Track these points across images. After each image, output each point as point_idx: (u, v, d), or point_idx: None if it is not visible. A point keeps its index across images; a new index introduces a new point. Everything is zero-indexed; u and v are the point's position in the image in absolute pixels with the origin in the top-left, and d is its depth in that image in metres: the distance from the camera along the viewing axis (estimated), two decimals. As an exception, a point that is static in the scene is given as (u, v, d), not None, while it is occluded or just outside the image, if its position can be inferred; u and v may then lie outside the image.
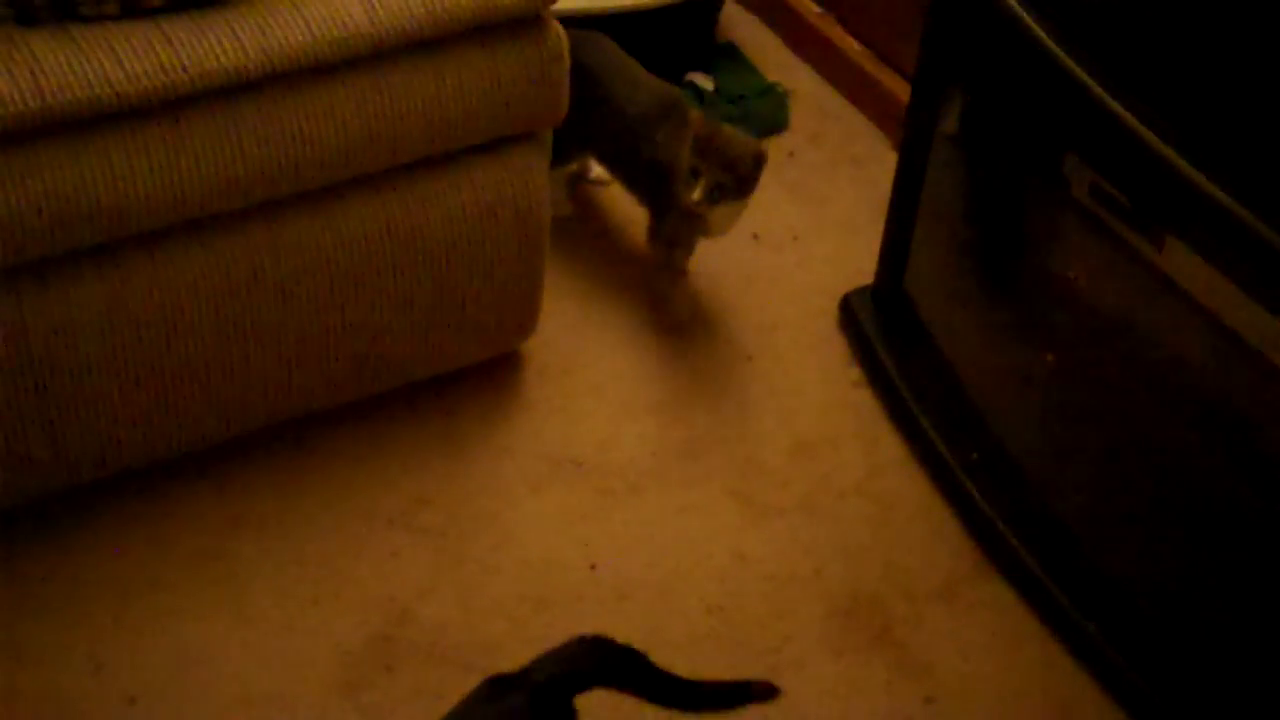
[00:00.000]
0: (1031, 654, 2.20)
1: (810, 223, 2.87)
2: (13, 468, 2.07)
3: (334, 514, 2.25)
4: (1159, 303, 2.11)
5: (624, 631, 2.08)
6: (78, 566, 2.13)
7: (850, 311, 2.66)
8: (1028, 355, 2.44)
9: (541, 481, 2.35)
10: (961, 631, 2.20)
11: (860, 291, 2.67)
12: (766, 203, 2.84)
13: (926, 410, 2.47)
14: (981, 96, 2.39)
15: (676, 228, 2.51)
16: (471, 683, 1.98)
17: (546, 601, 2.17)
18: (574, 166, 2.75)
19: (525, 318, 2.42)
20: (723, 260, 2.70)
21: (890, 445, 2.48)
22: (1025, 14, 2.06)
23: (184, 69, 1.90)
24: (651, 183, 2.51)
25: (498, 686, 1.61)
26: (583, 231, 2.41)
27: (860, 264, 2.67)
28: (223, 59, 1.93)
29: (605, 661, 1.70)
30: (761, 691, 1.75)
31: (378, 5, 2.02)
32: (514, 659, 2.06)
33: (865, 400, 2.55)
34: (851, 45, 3.16)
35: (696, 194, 2.30)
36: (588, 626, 2.09)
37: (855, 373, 2.59)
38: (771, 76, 3.19)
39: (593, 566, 2.23)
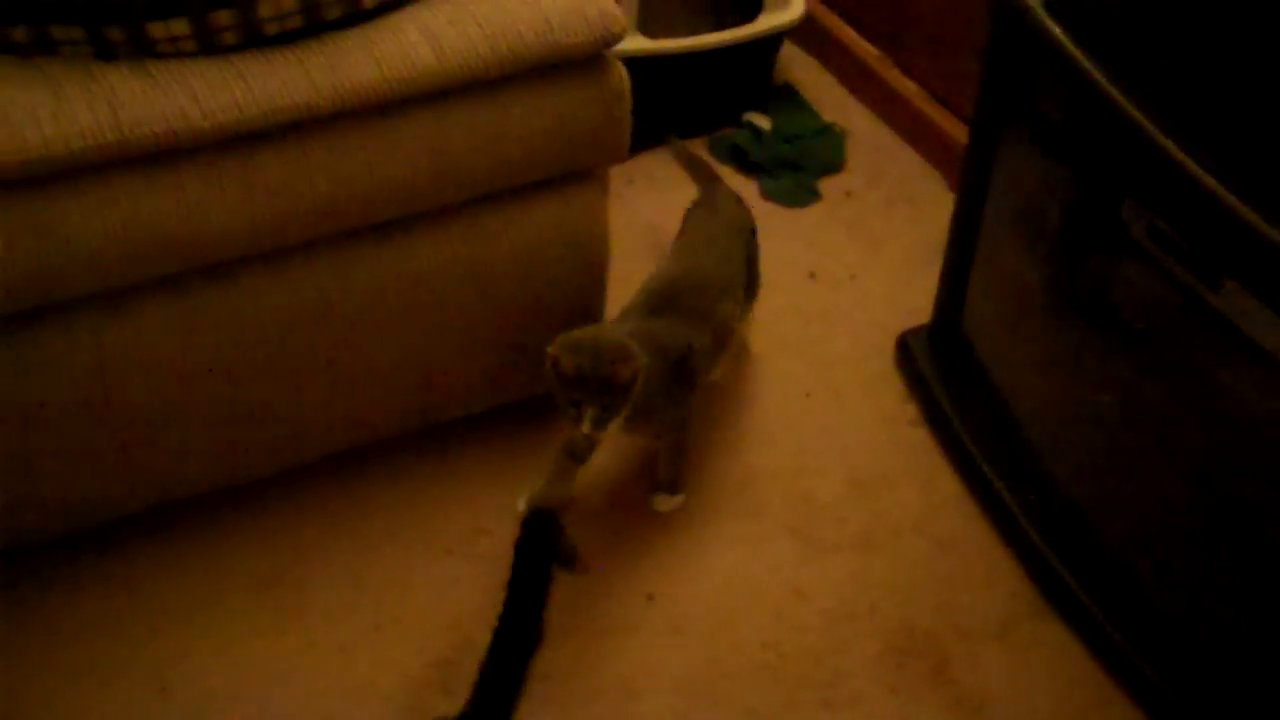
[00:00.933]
0: (1088, 695, 2.19)
1: (867, 261, 2.89)
2: (85, 494, 2.12)
3: (395, 542, 2.28)
4: (1218, 346, 2.11)
5: (677, 662, 2.11)
6: (144, 589, 2.18)
7: (907, 350, 2.67)
8: (1086, 396, 2.44)
9: (600, 512, 2.37)
10: (1018, 671, 2.20)
11: (916, 330, 2.68)
12: (824, 242, 2.87)
13: (983, 449, 2.48)
14: (1039, 139, 2.41)
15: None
16: (530, 709, 2.01)
17: (604, 630, 2.19)
18: None
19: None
20: (781, 298, 2.73)
21: (947, 484, 2.48)
22: (1083, 58, 2.08)
23: (256, 105, 1.94)
24: None
25: None
26: (641, 271, 2.43)
27: (917, 303, 2.68)
28: (294, 96, 1.98)
29: None
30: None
31: (445, 46, 2.06)
32: (571, 690, 2.11)
33: (921, 439, 2.56)
34: (908, 86, 3.19)
35: (586, 426, 2.11)
36: (644, 656, 2.13)
37: (912, 411, 2.60)
38: (828, 117, 3.23)
39: (650, 597, 2.25)
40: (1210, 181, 1.87)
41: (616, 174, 2.45)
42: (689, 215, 2.56)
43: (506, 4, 2.10)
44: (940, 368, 2.62)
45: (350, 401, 2.28)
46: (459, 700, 2.04)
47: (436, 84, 2.07)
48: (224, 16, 1.92)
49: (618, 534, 2.35)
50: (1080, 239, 2.43)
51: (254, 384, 2.16)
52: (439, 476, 2.39)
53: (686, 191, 2.68)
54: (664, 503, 2.38)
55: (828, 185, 3.06)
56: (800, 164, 3.06)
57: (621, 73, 2.25)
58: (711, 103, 2.80)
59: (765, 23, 3.10)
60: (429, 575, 2.24)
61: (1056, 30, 2.11)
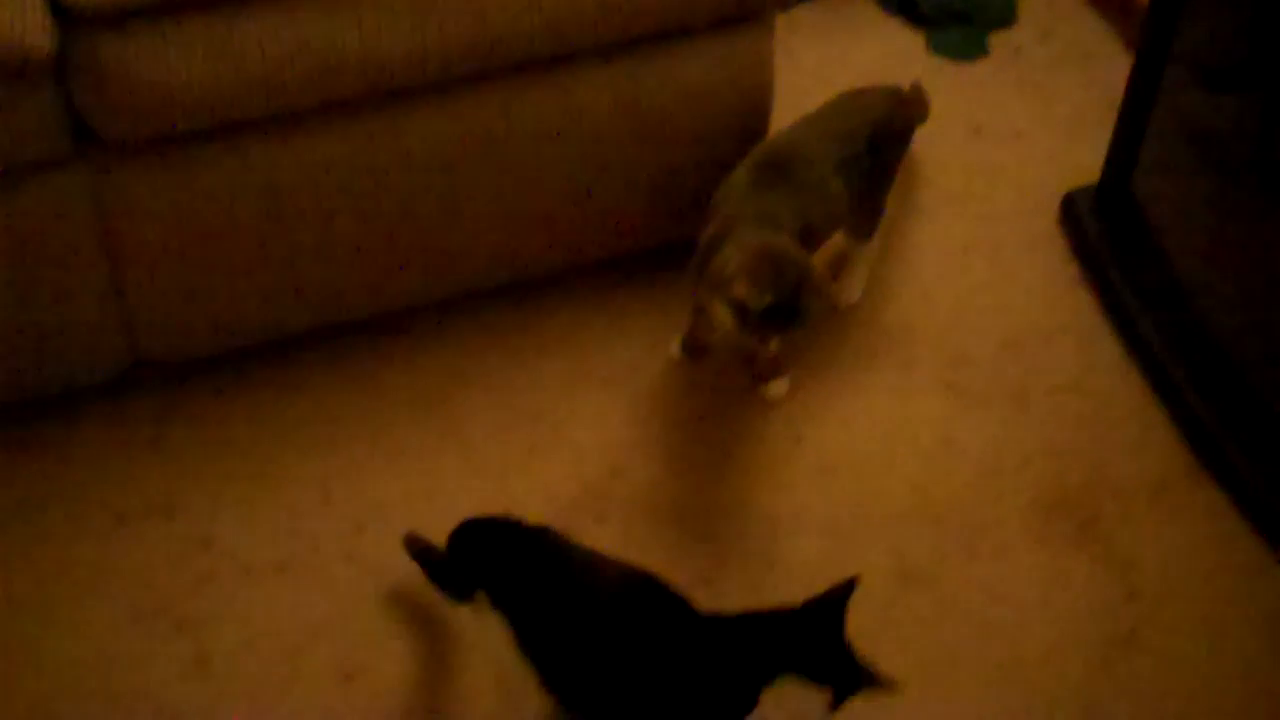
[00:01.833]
0: (1240, 559, 2.16)
1: (1034, 119, 2.82)
2: (255, 312, 2.20)
3: (553, 372, 2.33)
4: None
5: (824, 503, 2.14)
6: (312, 406, 2.26)
7: (1072, 209, 2.61)
8: (1258, 263, 2.37)
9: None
10: (1169, 532, 2.17)
11: (1084, 190, 2.62)
12: (991, 98, 2.81)
13: (1146, 311, 2.43)
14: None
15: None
16: (678, 540, 2.06)
17: (751, 469, 2.22)
18: None
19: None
20: (943, 151, 2.68)
21: (1106, 345, 2.44)
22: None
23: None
24: None
25: None
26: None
27: (1084, 162, 2.61)
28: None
29: None
30: None
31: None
32: (721, 523, 2.15)
33: (1083, 299, 2.51)
34: (1087, -60, 3.07)
35: (774, 347, 2.08)
36: (792, 497, 2.16)
37: (1074, 271, 2.55)
38: (1002, -31, 3.13)
39: (798, 439, 2.26)
40: None
41: (781, 22, 2.42)
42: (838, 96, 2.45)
43: None
44: (1106, 228, 2.55)
45: (512, 235, 2.32)
46: (609, 526, 2.11)
47: (605, -83, 2.05)
48: None
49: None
50: (1264, 106, 2.34)
51: (419, 212, 2.21)
52: (597, 313, 2.42)
53: (849, 43, 2.63)
54: (775, 389, 2.31)
55: (997, 40, 2.97)
56: (970, 16, 2.97)
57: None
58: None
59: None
60: (584, 405, 2.29)
61: None
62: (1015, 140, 2.77)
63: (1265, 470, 2.22)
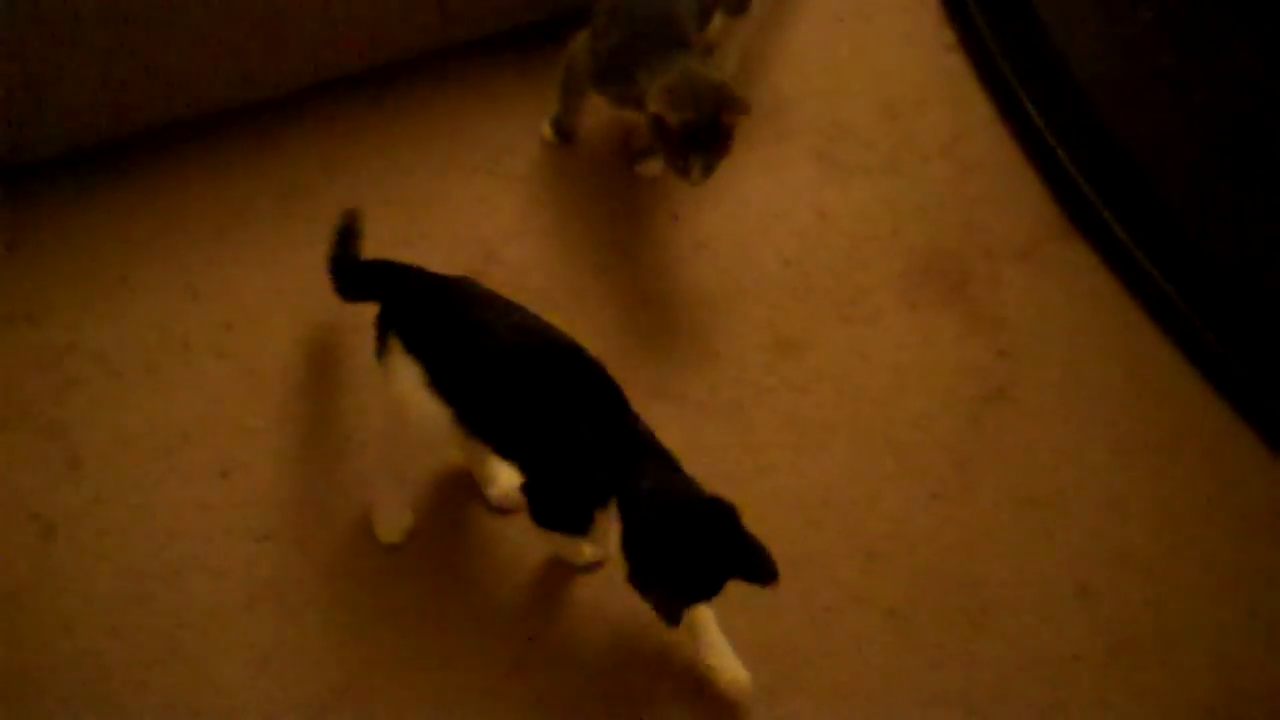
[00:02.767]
0: (1108, 313, 2.21)
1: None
2: (112, 99, 2.10)
3: (423, 160, 2.27)
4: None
5: (701, 278, 2.14)
6: (176, 204, 2.18)
7: (945, -27, 2.57)
8: (1127, 21, 2.36)
9: (616, 145, 2.35)
10: (1039, 289, 2.21)
11: (956, -47, 2.57)
12: None
13: (1018, 72, 2.42)
14: None
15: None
16: (560, 320, 2.05)
17: (629, 248, 2.21)
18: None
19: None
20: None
21: (979, 108, 2.44)
22: None
23: None
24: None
25: None
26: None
27: (957, -75, 2.56)
28: None
29: None
30: None
31: None
32: (598, 301, 2.14)
33: (956, 64, 2.49)
34: None
35: (696, 177, 2.01)
36: (668, 273, 2.16)
37: (949, 36, 2.53)
38: None
39: (675, 217, 2.25)
40: None
41: None
42: None
43: None
44: (980, -9, 2.52)
45: (377, 12, 2.23)
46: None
47: None
48: None
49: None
50: None
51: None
52: (465, 98, 2.36)
53: None
54: (649, 168, 2.27)
55: None
56: None
57: None
58: None
59: None
60: (456, 192, 2.24)
61: None
62: (886, -93, 2.70)
63: (1132, 226, 2.25)
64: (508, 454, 1.76)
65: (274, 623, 1.80)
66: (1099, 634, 1.88)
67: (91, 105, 2.11)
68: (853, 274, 2.20)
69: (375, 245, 2.12)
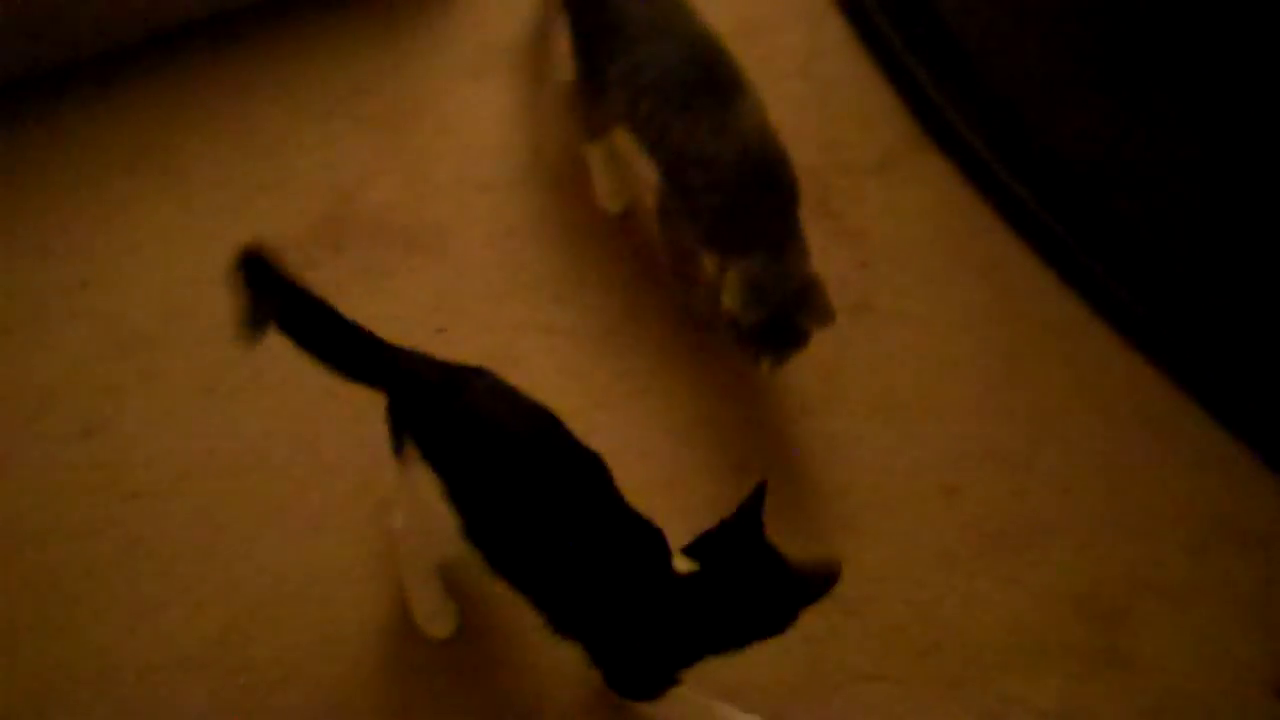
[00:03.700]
0: (965, 221, 2.25)
1: None
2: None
3: (275, 106, 2.25)
4: None
5: (557, 215, 2.14)
6: (24, 164, 2.14)
7: (794, -108, 2.57)
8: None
9: (483, 70, 2.34)
10: (898, 202, 2.24)
11: None
12: None
13: (871, -8, 2.45)
14: None
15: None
16: (417, 262, 2.05)
17: (488, 185, 2.20)
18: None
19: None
20: None
21: (834, 28, 2.46)
22: None
23: None
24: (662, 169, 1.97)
25: None
26: None
27: None
28: None
29: None
30: None
31: None
32: (460, 239, 2.13)
33: (811, -16, 2.51)
34: None
35: (766, 370, 1.90)
36: (528, 209, 2.16)
37: (799, -42, 2.54)
38: None
39: (535, 150, 2.24)
40: None
41: None
42: None
43: None
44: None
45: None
46: (348, 254, 2.08)
47: None
48: None
49: (500, 93, 2.32)
50: None
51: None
52: (318, 39, 2.33)
53: None
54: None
55: None
56: None
57: None
58: None
59: None
60: (311, 137, 2.22)
61: None
62: None
63: (986, 135, 2.29)
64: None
65: (148, 579, 1.78)
66: (968, 530, 1.93)
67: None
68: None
69: (228, 197, 2.10)
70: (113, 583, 1.78)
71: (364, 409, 1.65)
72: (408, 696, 1.72)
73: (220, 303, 1.91)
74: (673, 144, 1.90)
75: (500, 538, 1.56)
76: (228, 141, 2.19)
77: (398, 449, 1.60)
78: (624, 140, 2.08)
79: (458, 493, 1.54)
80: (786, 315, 1.84)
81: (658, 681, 1.61)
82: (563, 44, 2.18)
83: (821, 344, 2.04)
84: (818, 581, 1.53)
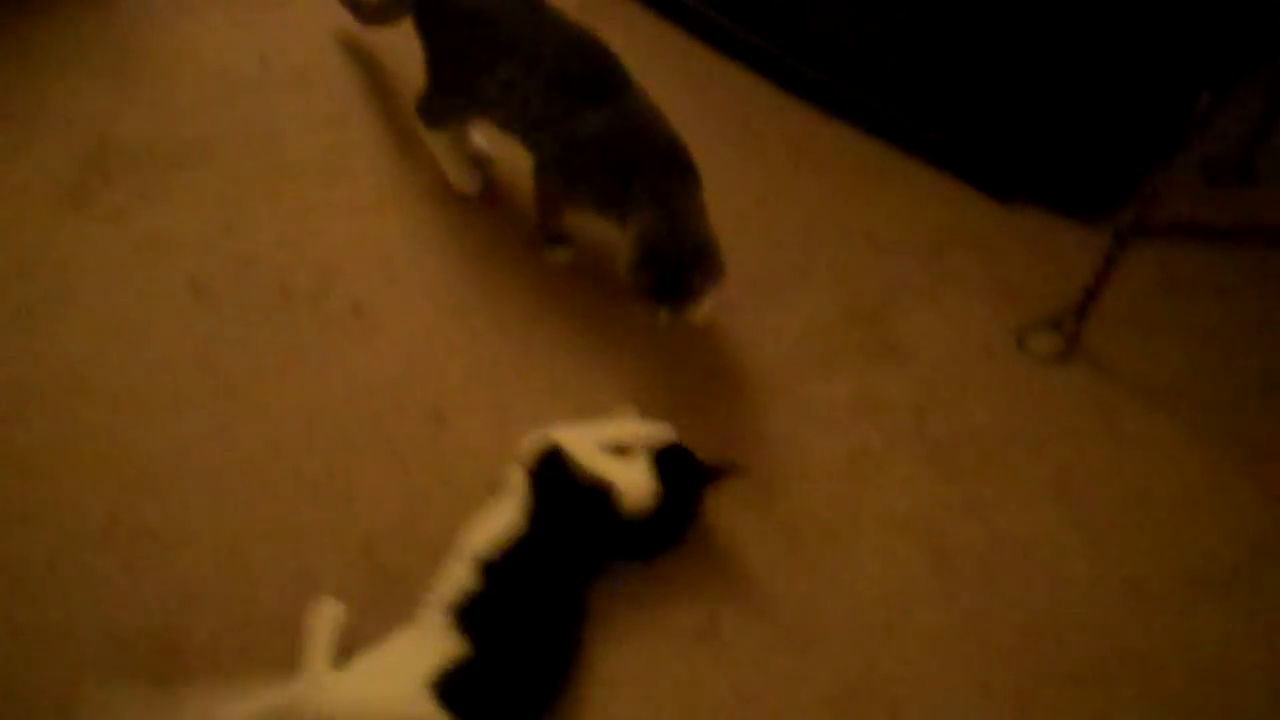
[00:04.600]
0: (669, 49, 2.55)
1: None
2: None
3: (6, 73, 2.31)
4: None
5: (311, 103, 2.30)
6: None
7: None
8: None
9: (193, 5, 2.48)
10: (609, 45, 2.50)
11: None
12: None
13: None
14: None
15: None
16: (188, 177, 2.17)
17: (231, 98, 2.34)
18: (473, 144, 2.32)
19: None
20: None
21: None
22: None
23: None
24: (556, 156, 2.08)
25: None
26: None
27: None
28: None
29: None
30: None
31: None
32: (222, 151, 2.27)
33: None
34: None
35: (663, 324, 1.98)
36: (275, 108, 2.31)
37: None
38: None
39: (265, 62, 2.39)
40: None
41: None
42: None
43: None
44: None
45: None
46: (119, 185, 2.18)
47: None
48: None
49: (221, 12, 2.45)
50: None
51: None
52: (30, 6, 2.41)
53: None
54: (557, 257, 2.22)
55: None
56: None
57: None
58: None
59: None
60: (51, 92, 2.30)
61: None
62: None
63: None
64: None
65: (14, 489, 1.85)
66: (739, 286, 2.20)
67: None
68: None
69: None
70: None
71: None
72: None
73: (11, 242, 2.02)
74: (564, 134, 2.02)
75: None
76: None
77: None
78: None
79: None
80: (680, 272, 1.93)
81: None
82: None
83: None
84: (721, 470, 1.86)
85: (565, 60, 2.01)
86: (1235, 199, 2.37)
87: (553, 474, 1.78)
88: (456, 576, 1.69)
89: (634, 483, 1.80)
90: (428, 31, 2.12)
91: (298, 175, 2.25)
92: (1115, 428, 2.09)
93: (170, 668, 1.69)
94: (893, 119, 2.43)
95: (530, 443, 1.82)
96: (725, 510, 1.91)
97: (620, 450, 1.85)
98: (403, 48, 2.20)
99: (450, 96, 2.15)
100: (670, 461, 1.83)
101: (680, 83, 2.45)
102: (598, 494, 1.77)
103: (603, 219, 2.04)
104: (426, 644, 1.64)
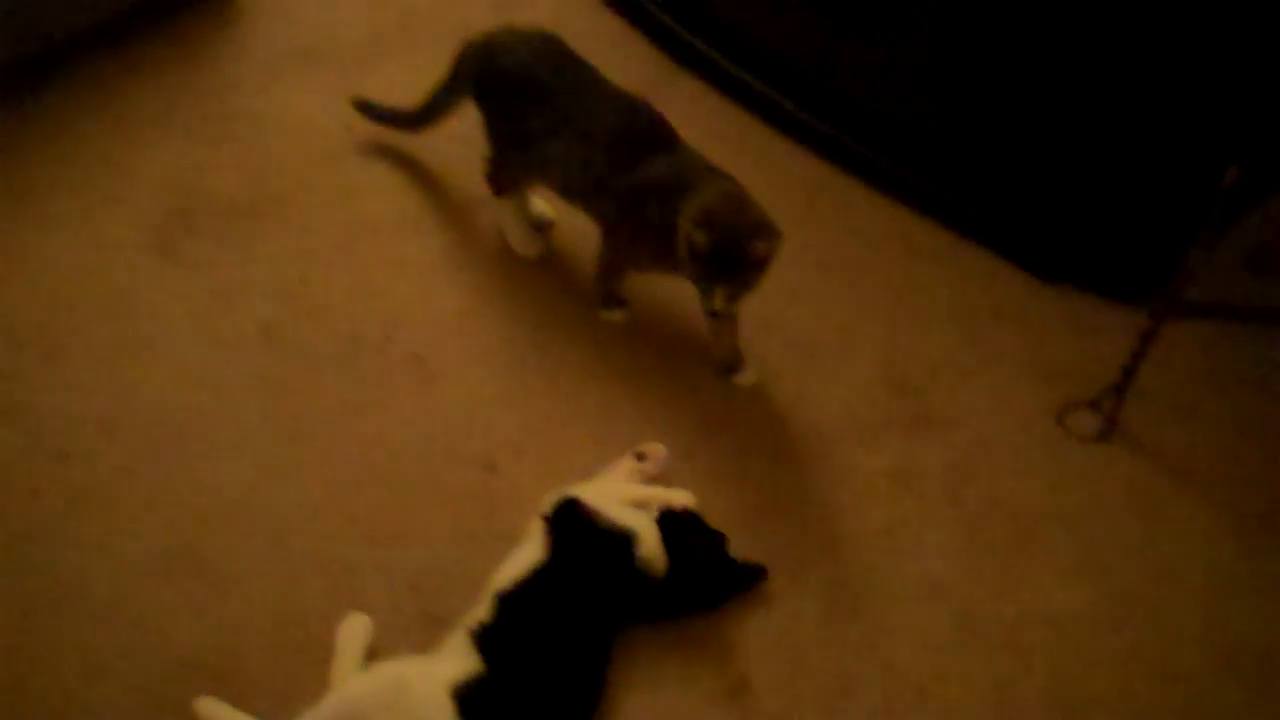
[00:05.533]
0: (727, 125, 2.65)
1: None
2: None
3: (104, 128, 2.46)
4: None
5: (386, 167, 2.43)
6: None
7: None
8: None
9: (281, 72, 2.62)
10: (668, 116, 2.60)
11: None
12: None
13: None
14: None
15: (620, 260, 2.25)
16: (266, 228, 2.29)
17: (314, 157, 2.47)
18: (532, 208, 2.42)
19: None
20: None
21: (578, -4, 2.84)
22: None
23: None
24: (618, 209, 2.18)
25: None
26: None
27: None
28: None
29: None
30: None
31: None
32: (301, 207, 2.39)
33: (552, -36, 2.89)
34: None
35: (717, 305, 2.04)
36: (356, 170, 2.43)
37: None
38: None
39: (348, 128, 2.52)
40: None
41: None
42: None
43: None
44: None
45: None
46: (202, 236, 2.31)
47: None
48: None
49: (304, 85, 2.59)
50: None
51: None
52: (126, 68, 2.57)
53: None
54: (745, 377, 2.25)
55: None
56: None
57: None
58: None
59: None
60: (142, 147, 2.44)
61: None
62: None
63: (728, 51, 2.70)
64: None
65: (94, 517, 1.95)
66: (785, 355, 2.28)
67: None
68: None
69: (85, 203, 2.29)
70: (67, 525, 1.94)
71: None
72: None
73: (101, 286, 2.15)
74: (621, 190, 2.13)
75: None
76: (67, 165, 2.39)
77: None
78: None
79: None
80: (738, 238, 1.98)
81: None
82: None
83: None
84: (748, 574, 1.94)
85: (618, 124, 2.14)
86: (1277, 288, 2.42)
87: (570, 522, 1.86)
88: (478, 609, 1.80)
89: (651, 533, 1.87)
90: (488, 107, 2.27)
91: (370, 233, 2.36)
92: (1149, 507, 2.13)
93: (224, 691, 1.77)
94: (943, 199, 2.51)
95: (549, 496, 1.91)
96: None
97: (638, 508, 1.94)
98: (471, 119, 2.31)
99: (513, 165, 2.26)
100: (676, 526, 1.91)
101: (740, 157, 2.52)
102: (615, 540, 1.86)
103: (663, 270, 2.14)
104: (447, 660, 1.74)
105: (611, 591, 1.85)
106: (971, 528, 2.08)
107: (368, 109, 2.48)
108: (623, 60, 2.69)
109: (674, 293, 2.23)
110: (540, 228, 2.41)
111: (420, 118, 2.42)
